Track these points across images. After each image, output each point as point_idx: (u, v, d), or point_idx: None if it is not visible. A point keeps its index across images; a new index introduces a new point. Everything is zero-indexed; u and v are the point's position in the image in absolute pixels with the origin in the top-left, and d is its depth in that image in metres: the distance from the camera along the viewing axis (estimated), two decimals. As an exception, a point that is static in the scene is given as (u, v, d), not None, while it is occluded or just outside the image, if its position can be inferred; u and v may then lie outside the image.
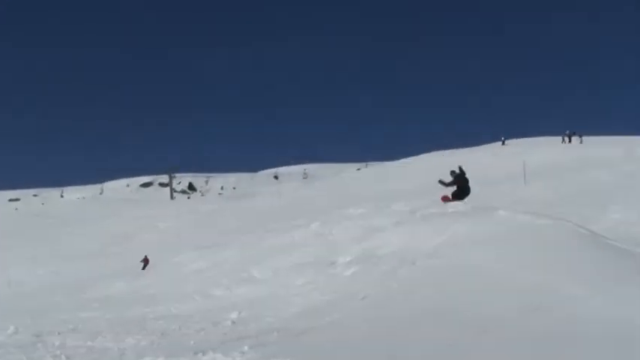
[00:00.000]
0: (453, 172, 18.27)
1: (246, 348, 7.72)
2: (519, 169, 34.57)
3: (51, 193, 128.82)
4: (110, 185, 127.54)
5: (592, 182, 30.77)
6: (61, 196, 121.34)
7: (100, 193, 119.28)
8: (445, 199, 17.55)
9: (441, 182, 17.99)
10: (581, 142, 56.62)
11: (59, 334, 10.53)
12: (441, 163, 43.51)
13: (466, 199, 17.61)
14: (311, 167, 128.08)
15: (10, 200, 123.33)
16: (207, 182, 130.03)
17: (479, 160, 48.32)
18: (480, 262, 10.73)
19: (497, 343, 7.14)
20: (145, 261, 26.38)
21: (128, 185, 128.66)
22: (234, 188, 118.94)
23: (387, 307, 9.42)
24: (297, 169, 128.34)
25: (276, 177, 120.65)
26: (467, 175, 18.15)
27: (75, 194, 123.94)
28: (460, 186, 17.78)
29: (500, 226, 12.76)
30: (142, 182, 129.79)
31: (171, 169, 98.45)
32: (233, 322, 10.11)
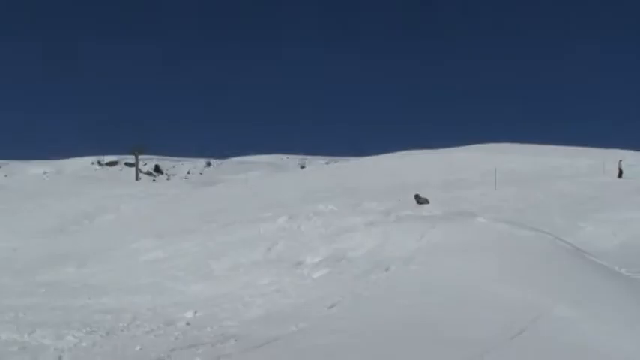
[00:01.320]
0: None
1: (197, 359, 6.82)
2: (490, 174, 34.12)
3: (15, 166, 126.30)
4: (76, 162, 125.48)
5: (560, 193, 30.44)
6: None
7: (58, 171, 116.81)
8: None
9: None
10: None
11: (-4, 323, 9.59)
12: (416, 161, 43.00)
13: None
14: (276, 158, 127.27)
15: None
16: (174, 166, 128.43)
17: (448, 163, 47.94)
18: (459, 272, 9.95)
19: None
20: None
21: (93, 163, 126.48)
22: (200, 174, 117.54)
23: (357, 317, 8.55)
24: (265, 158, 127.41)
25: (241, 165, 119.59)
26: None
27: (40, 168, 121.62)
28: None
29: (479, 235, 12.03)
30: (108, 161, 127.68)
31: (138, 150, 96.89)
32: (187, 323, 9.17)
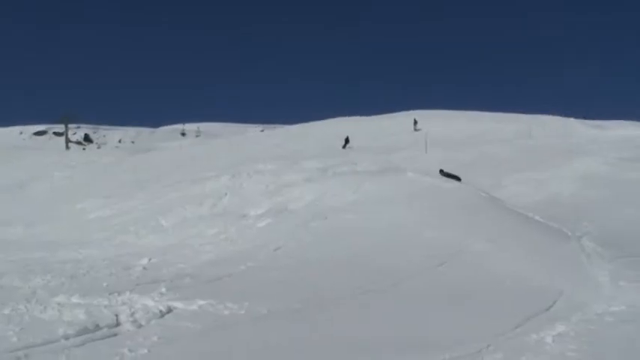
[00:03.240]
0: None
1: (164, 290, 7.69)
2: (420, 138, 35.35)
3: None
4: (1, 132, 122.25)
5: (488, 155, 31.88)
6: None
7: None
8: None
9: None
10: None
11: (-40, 273, 10.11)
12: (346, 128, 44.03)
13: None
14: (210, 126, 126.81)
15: None
16: (104, 135, 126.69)
17: (380, 128, 49.07)
18: (389, 219, 11.04)
19: (410, 292, 7.44)
20: None
21: (21, 132, 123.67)
22: (132, 142, 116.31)
23: (300, 257, 9.58)
24: (196, 127, 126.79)
25: (183, 134, 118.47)
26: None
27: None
28: None
29: (408, 187, 13.13)
30: (35, 130, 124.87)
31: (67, 118, 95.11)
32: (144, 268, 9.93)
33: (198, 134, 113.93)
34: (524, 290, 7.79)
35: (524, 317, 6.65)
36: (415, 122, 44.16)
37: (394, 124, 51.29)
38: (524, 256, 9.13)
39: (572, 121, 44.58)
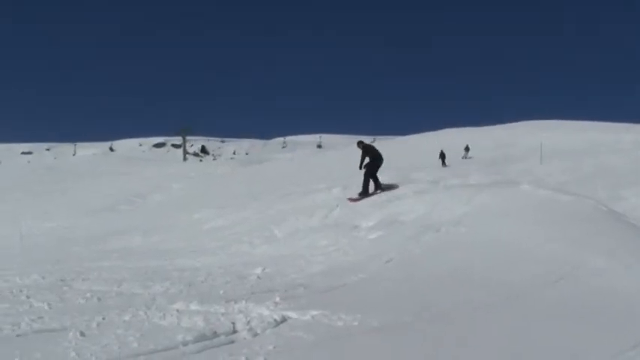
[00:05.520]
0: (360, 144, 17.87)
1: (278, 299, 7.86)
2: (535, 149, 34.62)
3: (64, 148, 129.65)
4: (122, 143, 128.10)
5: (605, 166, 30.88)
6: (73, 155, 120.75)
7: (111, 150, 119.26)
8: (353, 200, 16.02)
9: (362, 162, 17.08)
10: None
11: (83, 280, 10.65)
12: (457, 139, 43.61)
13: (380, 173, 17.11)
14: (323, 137, 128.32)
15: (23, 153, 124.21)
16: (219, 147, 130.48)
17: (494, 139, 48.32)
18: (504, 232, 10.85)
19: (526, 308, 7.26)
20: None
21: (141, 144, 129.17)
22: (246, 154, 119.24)
23: (412, 269, 9.56)
24: (309, 138, 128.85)
25: (283, 146, 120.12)
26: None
27: (87, 150, 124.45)
28: (372, 155, 17.20)
29: (523, 200, 12.86)
30: (154, 142, 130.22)
31: (185, 131, 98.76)
32: (258, 277, 10.23)
33: (320, 145, 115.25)
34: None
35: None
36: (467, 149, 40.52)
37: (506, 135, 50.35)
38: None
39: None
